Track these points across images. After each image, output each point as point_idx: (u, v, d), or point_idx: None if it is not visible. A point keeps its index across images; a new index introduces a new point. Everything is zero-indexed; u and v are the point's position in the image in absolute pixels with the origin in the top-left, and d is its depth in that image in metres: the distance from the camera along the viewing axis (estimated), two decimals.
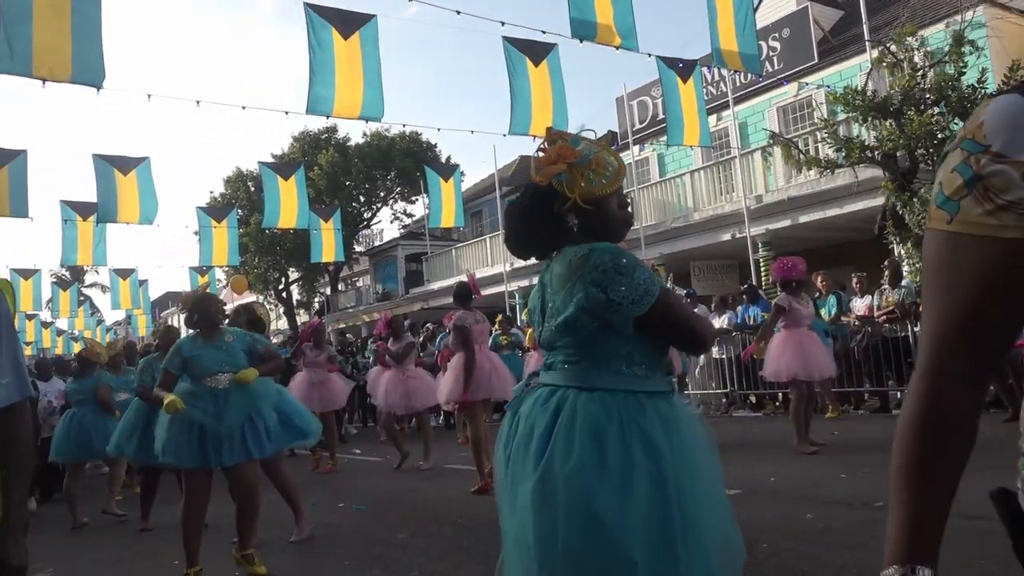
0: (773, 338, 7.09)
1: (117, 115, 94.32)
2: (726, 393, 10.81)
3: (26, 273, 23.22)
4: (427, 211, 19.37)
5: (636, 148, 20.18)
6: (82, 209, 16.56)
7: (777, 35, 18.13)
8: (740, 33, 10.93)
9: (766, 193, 14.65)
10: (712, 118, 18.03)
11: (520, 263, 20.15)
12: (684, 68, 12.06)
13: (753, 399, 10.63)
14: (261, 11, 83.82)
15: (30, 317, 31.49)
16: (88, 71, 8.61)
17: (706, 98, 18.45)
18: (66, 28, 8.50)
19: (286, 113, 10.32)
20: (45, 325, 33.07)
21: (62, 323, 32.98)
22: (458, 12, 8.66)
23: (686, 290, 11.85)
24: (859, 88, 11.35)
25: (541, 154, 2.04)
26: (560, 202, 1.97)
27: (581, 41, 9.25)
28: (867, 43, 13.08)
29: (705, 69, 18.57)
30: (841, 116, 12.49)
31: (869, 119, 11.16)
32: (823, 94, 14.11)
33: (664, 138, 14.39)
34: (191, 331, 4.73)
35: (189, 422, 4.33)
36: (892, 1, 17.36)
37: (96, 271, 47.40)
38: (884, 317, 9.01)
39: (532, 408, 1.92)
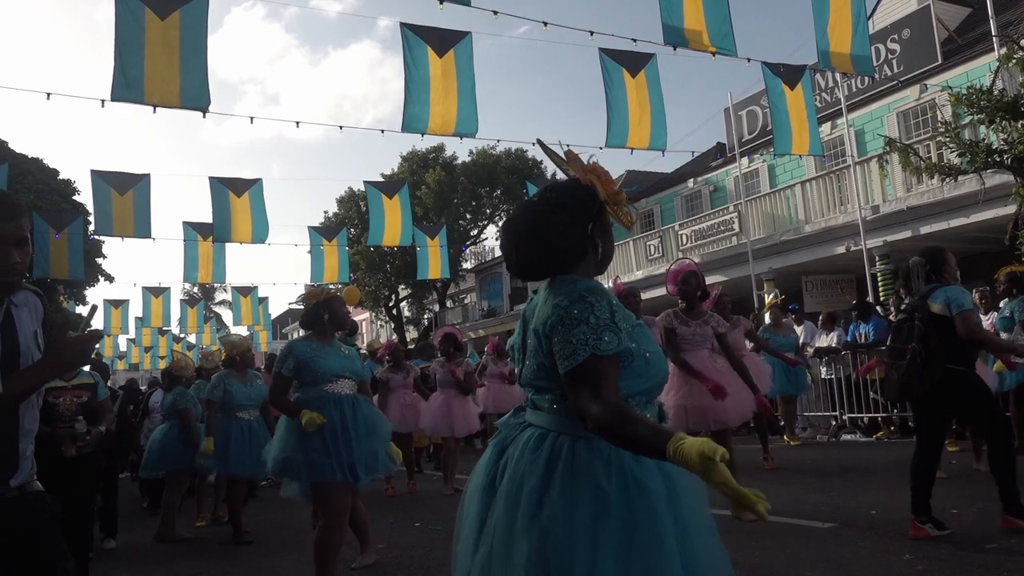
0: None
1: (228, 139, 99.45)
2: (835, 416, 10.14)
3: (156, 291, 24.61)
4: None
5: (744, 160, 19.51)
6: (202, 229, 17.37)
7: (896, 36, 17.12)
8: (852, 33, 10.31)
9: (883, 203, 13.79)
10: (826, 126, 17.24)
11: (626, 278, 19.75)
12: (790, 73, 11.50)
13: (865, 422, 9.91)
14: (367, 40, 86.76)
15: (162, 332, 33.52)
16: (195, 97, 9.00)
17: (819, 105, 17.70)
18: (175, 58, 8.92)
19: (382, 132, 10.49)
20: (176, 340, 35.04)
21: (192, 339, 34.84)
22: (545, 24, 8.55)
23: (791, 306, 11.21)
24: (985, 88, 10.50)
25: (578, 162, 1.94)
26: (597, 222, 1.88)
27: (675, 49, 8.94)
28: (995, 39, 12.11)
29: (819, 76, 17.85)
30: (966, 119, 11.61)
31: (997, 121, 10.29)
32: (948, 97, 13.18)
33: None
34: (304, 332, 4.41)
35: (321, 434, 3.93)
36: None
37: (224, 289, 50.20)
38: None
39: (522, 453, 1.78)
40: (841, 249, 14.38)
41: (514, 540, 1.68)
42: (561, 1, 66.97)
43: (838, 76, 15.91)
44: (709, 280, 16.45)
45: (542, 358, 1.77)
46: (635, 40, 9.45)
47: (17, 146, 27.93)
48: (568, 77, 77.29)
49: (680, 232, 18.61)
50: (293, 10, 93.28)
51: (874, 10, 18.68)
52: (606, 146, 10.89)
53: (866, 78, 15.55)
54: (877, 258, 13.74)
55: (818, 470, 6.97)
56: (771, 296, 9.65)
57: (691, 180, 22.44)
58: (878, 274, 13.67)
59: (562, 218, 1.84)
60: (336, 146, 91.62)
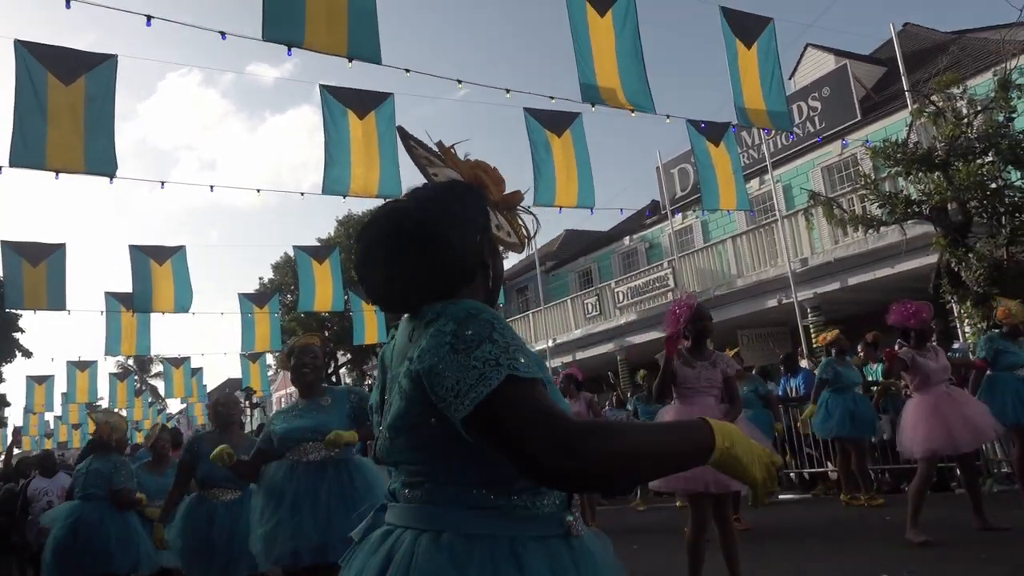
0: (907, 405, 5.94)
1: (165, 206, 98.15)
2: None
3: (82, 365, 23.67)
4: None
5: (678, 217, 19.70)
6: (125, 300, 16.77)
7: (817, 95, 17.65)
8: (767, 90, 10.47)
9: (812, 255, 13.93)
10: (755, 181, 17.55)
11: (565, 337, 19.59)
12: (713, 130, 11.62)
13: (806, 476, 9.73)
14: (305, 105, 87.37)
15: (92, 408, 32.16)
16: (101, 162, 8.66)
17: (747, 161, 18.05)
18: (80, 124, 8.61)
19: (301, 194, 10.27)
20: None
21: (125, 413, 33.49)
22: (459, 81, 8.45)
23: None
24: (900, 141, 10.74)
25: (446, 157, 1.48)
26: (486, 234, 1.41)
27: (593, 106, 8.93)
28: (907, 95, 12.50)
29: (745, 133, 18.24)
30: (885, 172, 11.85)
31: (913, 172, 10.50)
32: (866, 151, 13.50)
33: None
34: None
35: (294, 506, 3.44)
36: (936, 54, 16.78)
37: (160, 361, 48.69)
38: None
39: (363, 562, 1.32)
40: (773, 302, 14.45)
41: None
42: (486, 63, 68.59)
43: (763, 133, 16.25)
44: (644, 337, 16.56)
45: (409, 415, 1.29)
46: (552, 98, 9.40)
47: None
48: (502, 138, 78.66)
49: (616, 289, 18.57)
50: (229, 76, 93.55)
51: (795, 70, 19.28)
52: (534, 204, 10.79)
53: (791, 135, 15.93)
54: (809, 310, 13.81)
55: (750, 531, 6.70)
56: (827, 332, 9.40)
57: (627, 238, 22.57)
58: (811, 326, 13.71)
59: (447, 224, 1.35)
60: (275, 212, 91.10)
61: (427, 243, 1.33)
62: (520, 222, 1.49)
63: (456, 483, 1.28)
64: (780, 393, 9.80)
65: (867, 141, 12.60)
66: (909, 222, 10.69)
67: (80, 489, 5.31)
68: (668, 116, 9.69)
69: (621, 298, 18.28)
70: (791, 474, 9.70)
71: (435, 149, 1.50)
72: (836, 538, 6.05)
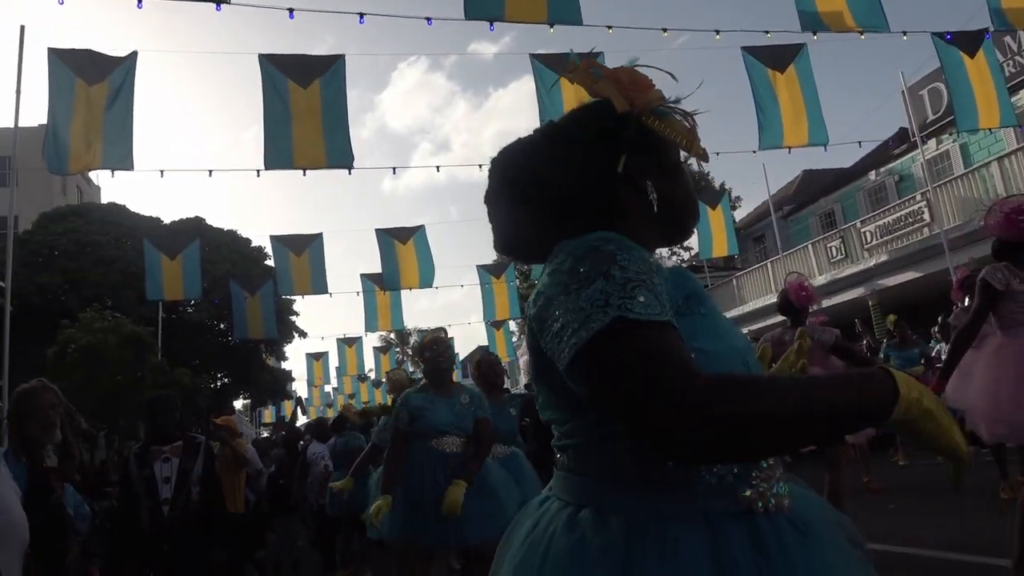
0: None
1: (407, 188, 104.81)
2: None
3: (349, 341, 26.13)
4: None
5: (932, 143, 17.75)
6: (377, 280, 18.23)
7: None
8: None
9: None
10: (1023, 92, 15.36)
11: (820, 279, 18.43)
12: (966, 40, 10.27)
13: None
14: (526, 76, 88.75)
15: (362, 379, 35.53)
16: (339, 156, 9.43)
17: (1012, 70, 15.84)
18: (318, 123, 9.40)
19: None
20: (376, 385, 36.99)
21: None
22: (664, 30, 8.14)
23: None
24: None
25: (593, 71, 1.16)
26: (636, 154, 1.15)
27: (815, 35, 8.23)
28: None
29: (1009, 39, 15.94)
30: None
31: None
32: None
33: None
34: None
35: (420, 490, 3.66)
36: None
37: (416, 334, 52.51)
38: None
39: (519, 531, 1.15)
40: None
41: None
42: (693, 9, 65.29)
43: None
44: (898, 279, 15.13)
45: (536, 367, 1.10)
46: (768, 32, 8.76)
47: (214, 222, 30.99)
48: (720, 82, 75.33)
49: (863, 229, 17.13)
50: (453, 58, 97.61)
51: None
52: (760, 148, 10.28)
53: None
54: None
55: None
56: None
57: (873, 172, 20.73)
58: None
59: (552, 154, 1.18)
60: None
61: (526, 184, 1.18)
62: (677, 124, 1.16)
63: (597, 448, 1.06)
64: None
65: None
66: None
67: None
68: (905, 32, 8.70)
69: (869, 238, 16.84)
70: None
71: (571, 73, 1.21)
72: None
